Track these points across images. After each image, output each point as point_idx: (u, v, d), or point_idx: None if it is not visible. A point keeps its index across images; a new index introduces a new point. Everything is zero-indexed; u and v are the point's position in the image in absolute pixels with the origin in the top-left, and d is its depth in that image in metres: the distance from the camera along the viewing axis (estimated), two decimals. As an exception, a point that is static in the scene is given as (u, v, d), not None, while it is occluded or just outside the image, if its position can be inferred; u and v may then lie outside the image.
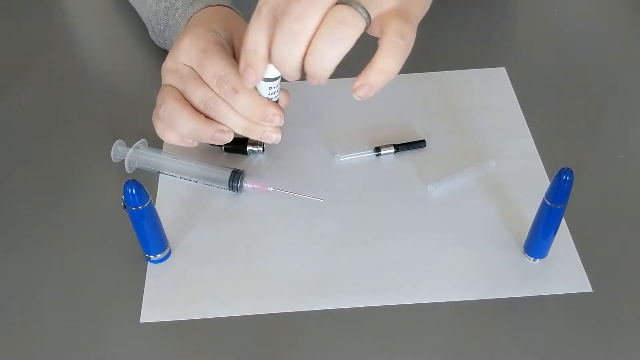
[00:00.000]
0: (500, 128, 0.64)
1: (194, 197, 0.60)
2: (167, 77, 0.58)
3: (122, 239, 0.56)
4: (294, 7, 0.45)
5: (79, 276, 0.54)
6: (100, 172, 0.62)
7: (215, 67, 0.54)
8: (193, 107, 0.56)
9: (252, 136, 0.56)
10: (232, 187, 0.59)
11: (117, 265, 0.55)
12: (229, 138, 0.56)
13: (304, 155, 0.62)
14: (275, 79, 0.53)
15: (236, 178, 0.59)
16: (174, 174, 0.60)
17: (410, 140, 0.62)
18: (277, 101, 0.55)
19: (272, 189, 0.59)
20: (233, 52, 0.59)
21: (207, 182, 0.60)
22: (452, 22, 0.76)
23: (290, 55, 0.47)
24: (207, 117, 0.56)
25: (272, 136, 0.56)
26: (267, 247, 0.56)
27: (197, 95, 0.55)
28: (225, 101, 0.55)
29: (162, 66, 0.59)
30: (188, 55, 0.56)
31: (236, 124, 0.55)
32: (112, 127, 0.66)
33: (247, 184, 0.59)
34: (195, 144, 0.59)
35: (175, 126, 0.57)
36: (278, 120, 0.55)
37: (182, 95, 0.57)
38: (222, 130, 0.56)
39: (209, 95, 0.55)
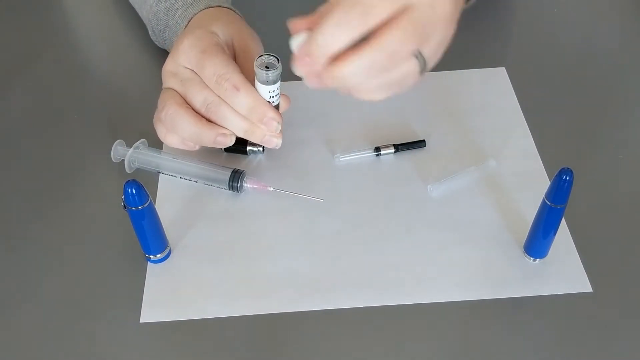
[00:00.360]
0: (500, 128, 0.64)
1: (194, 197, 0.59)
2: (168, 80, 0.58)
3: (122, 239, 0.56)
4: (386, 43, 0.45)
5: (79, 276, 0.54)
6: (100, 172, 0.62)
7: (215, 66, 0.54)
8: (195, 110, 0.56)
9: (253, 139, 0.56)
10: (232, 187, 0.59)
11: (117, 265, 0.55)
12: (230, 142, 0.56)
13: (304, 155, 0.62)
14: (275, 82, 0.53)
15: (236, 178, 0.59)
16: (174, 174, 0.60)
17: (410, 140, 0.62)
18: (277, 106, 0.56)
19: (272, 189, 0.59)
20: (234, 54, 0.59)
21: (207, 182, 0.60)
22: (452, 22, 0.76)
23: (350, 79, 0.46)
24: (208, 120, 0.56)
25: (272, 140, 0.56)
26: (267, 247, 0.56)
27: (199, 98, 0.56)
28: (227, 104, 0.55)
29: (162, 69, 0.59)
30: (188, 58, 0.56)
31: (238, 127, 0.56)
32: (112, 127, 0.66)
33: (247, 184, 0.59)
34: (197, 147, 0.59)
35: (177, 130, 0.57)
36: (274, 125, 0.55)
37: (183, 99, 0.57)
38: (223, 134, 0.56)
39: (211, 98, 0.55)
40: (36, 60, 0.74)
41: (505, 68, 0.70)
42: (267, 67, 0.53)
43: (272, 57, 0.53)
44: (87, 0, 0.83)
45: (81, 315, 0.52)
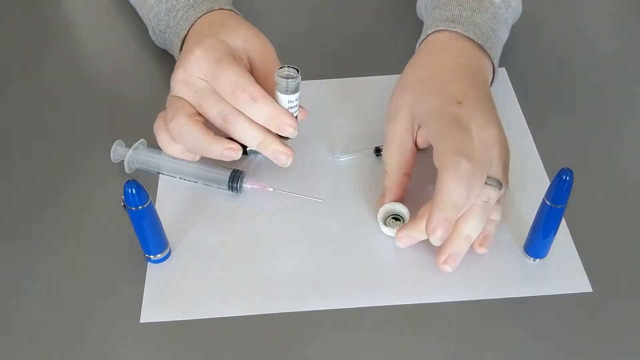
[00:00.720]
0: (500, 128, 0.64)
1: (194, 197, 0.59)
2: (179, 90, 0.58)
3: (122, 239, 0.56)
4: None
5: (79, 276, 0.54)
6: (100, 172, 0.62)
7: (231, 77, 0.54)
8: (209, 121, 0.56)
9: (265, 153, 0.56)
10: (231, 188, 0.59)
11: (117, 265, 0.55)
12: (237, 156, 0.57)
13: (304, 155, 0.62)
14: (294, 91, 0.54)
15: (236, 178, 0.59)
16: (173, 175, 0.60)
17: (410, 140, 0.62)
18: (296, 117, 0.56)
19: (272, 189, 0.59)
20: (248, 61, 0.59)
21: (206, 183, 0.60)
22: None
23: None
24: (223, 131, 0.56)
25: (282, 158, 0.56)
26: (267, 247, 0.56)
27: (216, 109, 0.55)
28: (244, 115, 0.55)
29: (172, 78, 0.58)
30: (201, 68, 0.56)
31: (253, 139, 0.55)
32: (112, 127, 0.66)
33: (247, 184, 0.59)
34: (198, 157, 0.59)
35: (184, 141, 0.57)
36: (291, 131, 0.55)
37: (195, 110, 0.57)
38: (230, 148, 0.56)
39: (228, 110, 0.55)
40: (36, 60, 0.74)
41: (505, 68, 0.70)
42: (286, 77, 0.54)
43: (292, 69, 0.54)
44: (87, 0, 0.83)
45: (81, 315, 0.52)
